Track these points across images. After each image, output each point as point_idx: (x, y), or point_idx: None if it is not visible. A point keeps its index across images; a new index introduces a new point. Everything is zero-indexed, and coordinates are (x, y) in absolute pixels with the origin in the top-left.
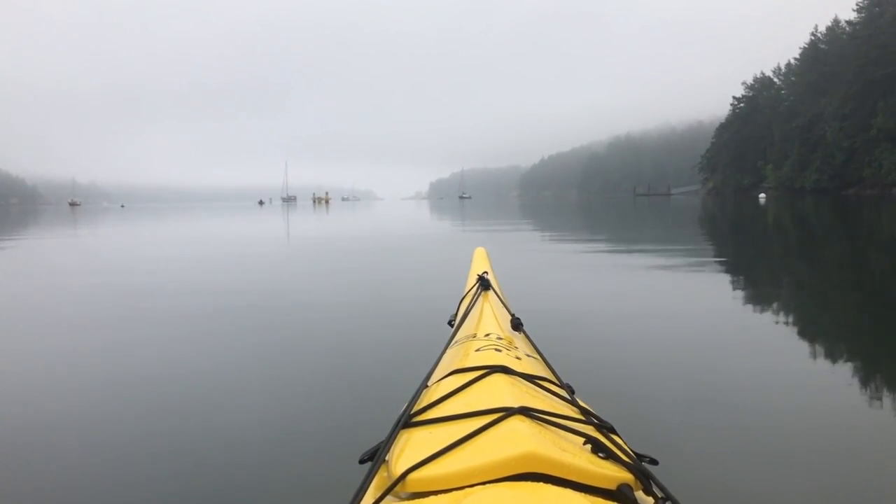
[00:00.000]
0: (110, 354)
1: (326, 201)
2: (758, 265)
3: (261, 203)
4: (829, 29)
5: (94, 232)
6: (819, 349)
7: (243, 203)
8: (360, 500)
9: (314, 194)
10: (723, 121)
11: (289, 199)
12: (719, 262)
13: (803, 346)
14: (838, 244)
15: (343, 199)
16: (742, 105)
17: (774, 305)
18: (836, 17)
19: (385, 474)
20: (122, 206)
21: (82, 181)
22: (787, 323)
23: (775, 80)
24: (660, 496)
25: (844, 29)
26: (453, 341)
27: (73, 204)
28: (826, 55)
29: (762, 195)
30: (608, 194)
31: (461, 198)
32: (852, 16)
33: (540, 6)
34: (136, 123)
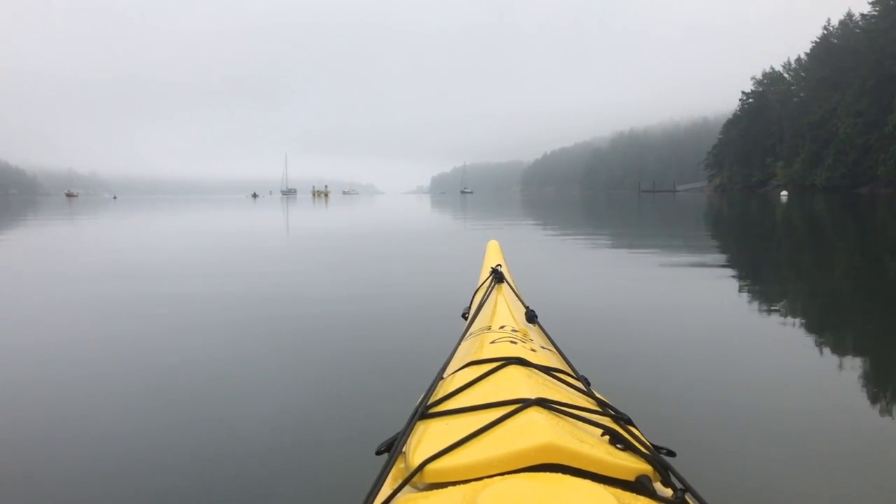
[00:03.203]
0: (123, 347)
1: (326, 195)
2: (789, 269)
3: (254, 196)
4: (841, 23)
5: (69, 226)
6: (838, 350)
7: (239, 196)
8: (378, 491)
9: (314, 188)
10: (729, 117)
11: (288, 192)
12: (743, 264)
13: (822, 346)
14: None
15: (344, 193)
16: (751, 101)
17: (794, 305)
18: (849, 10)
19: (402, 465)
20: (115, 198)
21: (83, 172)
22: (805, 322)
23: (785, 75)
24: (678, 487)
25: (858, 23)
26: (468, 333)
27: (70, 195)
28: (839, 50)
29: (784, 192)
30: (611, 190)
31: (463, 192)
32: (867, 9)
33: (549, 9)
34: (138, 115)
